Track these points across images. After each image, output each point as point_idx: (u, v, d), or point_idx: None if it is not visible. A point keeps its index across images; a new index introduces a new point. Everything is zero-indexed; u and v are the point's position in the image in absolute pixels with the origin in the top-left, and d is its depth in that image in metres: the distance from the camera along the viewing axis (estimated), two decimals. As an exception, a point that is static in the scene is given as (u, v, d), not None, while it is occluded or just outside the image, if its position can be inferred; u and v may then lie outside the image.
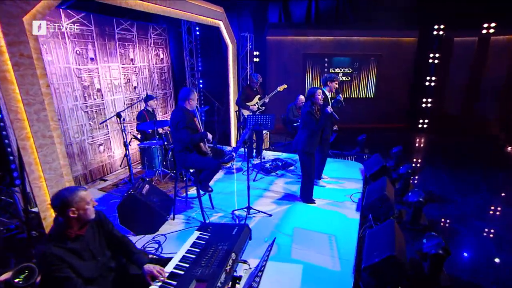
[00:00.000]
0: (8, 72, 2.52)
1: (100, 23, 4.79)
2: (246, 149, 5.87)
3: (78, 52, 4.48)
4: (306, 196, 4.05)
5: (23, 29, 2.54)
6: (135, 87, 5.74)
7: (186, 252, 2.15)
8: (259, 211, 3.77)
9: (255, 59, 7.29)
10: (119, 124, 4.17)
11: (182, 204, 4.07)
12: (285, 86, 5.69)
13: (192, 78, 7.04)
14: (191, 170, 3.76)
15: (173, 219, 3.69)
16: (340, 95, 4.24)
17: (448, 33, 8.15)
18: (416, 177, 5.34)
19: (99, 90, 4.90)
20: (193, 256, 2.10)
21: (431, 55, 8.26)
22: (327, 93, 4.19)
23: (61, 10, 4.13)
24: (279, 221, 3.65)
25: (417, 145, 7.71)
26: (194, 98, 3.39)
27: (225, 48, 6.36)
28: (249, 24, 7.72)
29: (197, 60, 6.92)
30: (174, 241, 3.24)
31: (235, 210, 3.83)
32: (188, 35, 6.78)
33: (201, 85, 7.10)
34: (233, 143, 6.45)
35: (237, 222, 3.58)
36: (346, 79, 8.81)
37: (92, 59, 4.72)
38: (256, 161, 5.63)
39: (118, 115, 4.14)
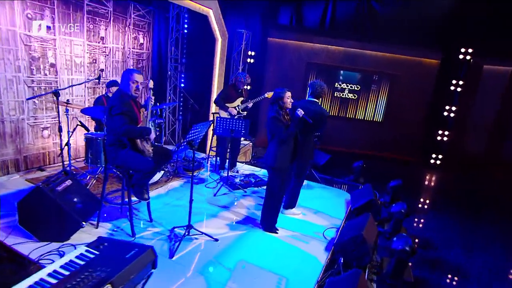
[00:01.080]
0: None
1: (65, -11, 4.54)
2: (217, 158, 5.47)
3: (29, 15, 4.19)
4: (268, 222, 3.55)
5: None
6: (102, 70, 5.43)
7: (48, 275, 1.69)
8: (203, 233, 3.29)
9: (248, 60, 6.97)
10: (55, 104, 3.80)
11: (116, 210, 3.63)
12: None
13: (174, 71, 6.73)
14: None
15: (97, 227, 3.24)
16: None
17: (477, 59, 7.75)
18: (415, 219, 4.81)
19: (53, 65, 4.58)
20: (53, 282, 1.64)
21: (454, 81, 7.83)
22: None
23: (15, -35, 3.88)
24: (224, 249, 3.17)
25: (424, 182, 7.17)
26: (139, 80, 3.02)
27: (214, 42, 6.07)
28: (256, 22, 7.49)
29: (182, 52, 6.63)
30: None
31: (177, 227, 3.36)
32: (176, 23, 6.53)
33: (182, 80, 6.77)
34: (208, 150, 6.04)
35: (173, 242, 3.10)
36: (353, 96, 8.42)
37: (48, 27, 4.43)
38: (229, 173, 5.21)
39: (55, 92, 3.78)
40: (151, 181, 4.44)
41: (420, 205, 5.54)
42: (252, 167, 6.05)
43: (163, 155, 3.36)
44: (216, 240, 3.30)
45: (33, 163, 4.57)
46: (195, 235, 3.30)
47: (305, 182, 5.55)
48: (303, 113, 3.23)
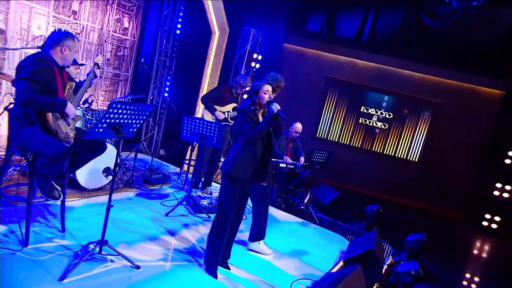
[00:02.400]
0: None
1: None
2: (190, 175, 5.09)
3: (-15, -28, 4.21)
4: (210, 257, 3.01)
5: None
6: (69, 50, 5.35)
7: None
8: (120, 254, 2.82)
9: (253, 64, 6.76)
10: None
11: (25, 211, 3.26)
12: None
13: (162, 67, 6.61)
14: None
15: (-19, 228, 2.86)
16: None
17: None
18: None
19: (2, 32, 4.53)
20: None
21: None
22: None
23: None
24: (140, 282, 2.68)
25: (467, 248, 6.30)
26: (72, 48, 2.77)
27: (208, 37, 5.93)
28: (272, 22, 7.43)
29: (173, 45, 6.53)
30: None
31: (93, 242, 2.92)
32: (172, 10, 6.50)
33: (169, 78, 6.62)
34: (185, 164, 5.67)
35: (78, 261, 2.64)
36: (383, 126, 7.88)
37: (6, -12, 4.42)
38: (198, 193, 4.79)
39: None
40: (92, 186, 4.11)
41: (453, 277, 4.76)
42: None
43: (91, 146, 3.02)
44: (137, 267, 2.82)
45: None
46: (110, 255, 2.84)
47: (299, 220, 5.04)
48: (278, 108, 2.84)
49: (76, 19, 5.35)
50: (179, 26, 6.37)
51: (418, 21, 7.35)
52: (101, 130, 2.52)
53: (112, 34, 5.94)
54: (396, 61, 7.59)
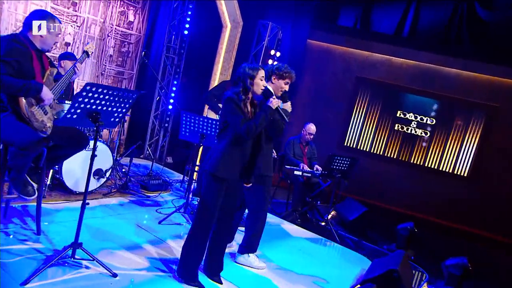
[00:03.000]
0: None
1: None
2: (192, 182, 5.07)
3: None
4: (185, 267, 2.93)
5: None
6: (67, 44, 5.56)
7: None
8: (96, 259, 2.80)
9: (269, 61, 6.74)
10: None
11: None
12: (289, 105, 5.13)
13: (170, 65, 6.72)
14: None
15: (-47, 227, 2.94)
16: (289, 104, 3.28)
17: None
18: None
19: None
20: None
21: None
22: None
23: None
24: (114, 292, 2.64)
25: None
26: (53, 30, 2.83)
27: (219, 30, 6.00)
28: (305, 21, 7.49)
29: (182, 41, 6.64)
30: None
31: (69, 247, 2.91)
32: (182, 4, 6.64)
33: (176, 76, 6.71)
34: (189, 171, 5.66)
35: (49, 265, 2.64)
36: (423, 134, 7.56)
37: (2, -23, 4.68)
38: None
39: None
40: (81, 189, 4.16)
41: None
42: None
43: (71, 139, 3.05)
44: (115, 275, 2.79)
45: None
46: (85, 260, 2.83)
47: (315, 236, 4.86)
48: (278, 103, 2.75)
49: (76, 11, 5.57)
50: (188, 19, 6.49)
51: (470, 12, 7.14)
52: (74, 116, 2.53)
53: (115, 28, 6.14)
54: (441, 58, 7.33)
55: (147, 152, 6.78)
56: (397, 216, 6.77)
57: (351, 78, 7.79)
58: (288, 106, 3.26)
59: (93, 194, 4.29)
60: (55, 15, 2.97)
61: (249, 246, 3.49)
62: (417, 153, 7.63)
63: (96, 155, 2.74)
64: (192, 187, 5.10)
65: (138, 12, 6.40)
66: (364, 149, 7.87)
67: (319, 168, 5.39)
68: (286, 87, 3.30)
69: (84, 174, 4.14)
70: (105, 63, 6.15)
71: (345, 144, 7.96)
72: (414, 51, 7.44)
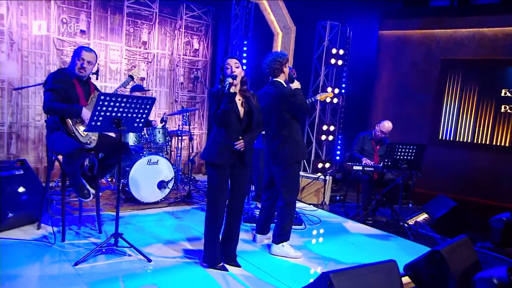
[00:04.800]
0: None
1: (104, -9, 6.11)
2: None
3: (64, 20, 5.85)
4: (207, 252, 3.35)
5: None
6: (142, 78, 6.70)
7: None
8: (132, 246, 3.42)
9: (332, 61, 6.90)
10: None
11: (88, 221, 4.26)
12: (331, 94, 5.33)
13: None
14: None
15: (38, 228, 3.90)
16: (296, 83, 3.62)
17: None
18: None
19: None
20: None
21: None
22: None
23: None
24: (144, 273, 3.21)
25: None
26: (86, 59, 3.67)
27: (268, 38, 6.47)
28: (373, 11, 7.59)
29: (241, 57, 7.27)
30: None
31: (111, 236, 3.57)
32: (245, 24, 7.31)
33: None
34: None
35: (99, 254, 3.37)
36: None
37: (83, 31, 6.00)
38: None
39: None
40: (147, 200, 4.96)
41: None
42: (323, 212, 5.66)
43: (114, 148, 3.80)
44: (149, 260, 3.37)
45: (53, 176, 5.94)
46: (127, 248, 3.48)
47: (379, 232, 4.78)
48: (229, 81, 3.05)
49: (146, 49, 6.70)
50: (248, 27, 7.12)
51: None
52: (98, 123, 3.23)
53: (183, 58, 7.12)
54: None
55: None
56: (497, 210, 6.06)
57: (435, 63, 7.39)
58: (295, 84, 3.57)
59: (159, 204, 5.05)
60: (91, 48, 3.85)
61: (281, 235, 3.73)
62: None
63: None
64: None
65: (201, 39, 7.32)
66: (464, 139, 7.26)
67: None
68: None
69: (147, 186, 4.97)
70: (177, 90, 7.13)
71: (440, 138, 7.47)
72: (508, 16, 6.76)
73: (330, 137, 7.14)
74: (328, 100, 6.45)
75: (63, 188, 3.73)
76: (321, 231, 4.77)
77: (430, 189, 6.78)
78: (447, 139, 7.40)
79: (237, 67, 3.20)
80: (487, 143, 7.09)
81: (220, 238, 3.38)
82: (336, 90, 7.06)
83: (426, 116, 7.47)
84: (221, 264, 3.33)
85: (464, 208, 5.63)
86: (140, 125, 3.50)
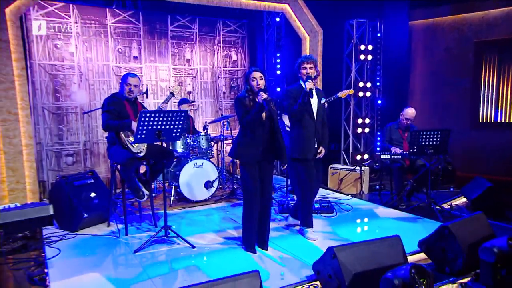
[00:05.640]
0: (-14, 52, 4.68)
1: (150, 20, 6.89)
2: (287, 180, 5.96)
3: (120, 50, 6.72)
4: (245, 238, 3.91)
5: (4, 18, 4.68)
6: (189, 92, 7.42)
7: None
8: (179, 236, 4.05)
9: (361, 57, 7.14)
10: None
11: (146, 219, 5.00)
12: (351, 91, 5.58)
13: (269, 84, 7.90)
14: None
15: (108, 225, 4.69)
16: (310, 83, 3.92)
17: None
18: None
19: (141, 83, 6.92)
20: None
21: None
22: (304, 85, 3.98)
23: (107, 9, 6.52)
24: (188, 256, 3.82)
25: None
26: (131, 83, 4.38)
27: (298, 43, 6.87)
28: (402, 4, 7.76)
29: (275, 63, 7.73)
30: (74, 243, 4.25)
31: (162, 228, 4.21)
32: (277, 32, 7.80)
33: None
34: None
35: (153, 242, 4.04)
36: None
37: (135, 57, 6.84)
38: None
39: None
40: (196, 198, 5.60)
41: None
42: (358, 201, 5.99)
43: (161, 155, 4.46)
44: (193, 247, 3.97)
45: (119, 182, 6.83)
46: (173, 237, 4.12)
47: (409, 215, 5.02)
48: (263, 97, 3.52)
49: (190, 65, 7.42)
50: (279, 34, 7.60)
51: None
52: (143, 136, 3.89)
53: (223, 70, 7.75)
54: None
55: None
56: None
57: (468, 47, 7.34)
58: (309, 85, 3.89)
59: (207, 201, 5.69)
60: (135, 73, 4.56)
61: (302, 223, 4.25)
62: None
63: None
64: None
65: (238, 51, 7.90)
66: (505, 121, 7.14)
67: None
68: (304, 72, 4.02)
69: (196, 186, 5.61)
70: (220, 99, 7.77)
71: (480, 121, 7.39)
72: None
73: (366, 130, 7.35)
74: (351, 93, 6.29)
75: (123, 191, 4.47)
76: (351, 217, 5.09)
77: (473, 172, 6.76)
78: (488, 120, 7.31)
79: (261, 79, 3.67)
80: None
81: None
82: (369, 84, 7.26)
83: (464, 101, 7.44)
84: (254, 248, 3.85)
85: (501, 188, 5.62)
86: (178, 134, 4.11)
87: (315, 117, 4.10)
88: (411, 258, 3.74)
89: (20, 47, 4.88)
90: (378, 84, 7.67)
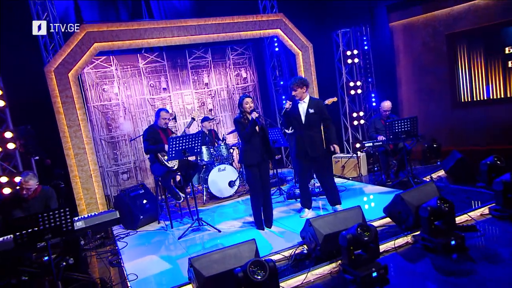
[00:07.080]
0: (59, 107, 6.14)
1: (172, 57, 8.22)
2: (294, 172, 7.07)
3: (152, 85, 8.10)
4: (255, 220, 5.09)
5: (68, 80, 6.12)
6: (210, 110, 8.70)
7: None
8: (208, 224, 5.29)
9: (349, 61, 8.11)
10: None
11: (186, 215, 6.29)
12: (335, 99, 6.41)
13: (276, 93, 9.04)
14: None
15: (158, 223, 6.03)
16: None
17: None
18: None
19: (171, 115, 8.26)
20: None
21: None
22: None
23: (138, 55, 7.90)
24: (215, 237, 5.06)
25: None
26: (163, 117, 5.67)
27: (293, 58, 7.94)
28: (381, 9, 8.64)
29: (279, 76, 8.84)
30: (136, 237, 5.59)
31: (196, 220, 5.45)
32: (272, 47, 8.92)
33: (284, 101, 8.90)
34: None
35: (190, 231, 5.32)
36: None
37: (164, 89, 8.20)
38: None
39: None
40: (222, 195, 6.84)
41: None
42: (353, 182, 7.00)
43: (190, 166, 5.73)
44: (219, 231, 5.21)
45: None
46: (204, 226, 5.36)
47: (390, 189, 5.98)
48: (256, 115, 4.69)
49: (209, 88, 8.68)
50: (276, 49, 8.69)
51: None
52: (173, 154, 5.16)
53: (236, 87, 8.96)
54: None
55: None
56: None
57: (441, 39, 8.12)
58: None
59: (232, 197, 6.91)
60: (166, 108, 5.86)
61: (302, 204, 5.38)
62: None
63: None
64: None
65: (247, 69, 9.08)
66: (481, 98, 7.89)
67: (381, 138, 6.41)
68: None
69: (222, 186, 6.85)
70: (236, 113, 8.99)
71: (460, 101, 8.15)
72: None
73: (362, 121, 8.31)
74: (335, 100, 6.63)
75: (165, 197, 5.80)
76: (343, 196, 6.09)
77: (457, 146, 7.53)
78: (466, 100, 8.07)
79: (252, 102, 4.88)
80: (502, 96, 7.64)
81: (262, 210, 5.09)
82: (359, 83, 8.23)
83: (444, 85, 8.23)
84: (262, 227, 5.05)
85: (481, 156, 5.95)
86: (198, 149, 5.34)
87: (303, 122, 5.09)
88: (380, 222, 4.80)
89: (80, 98, 6.29)
90: (370, 79, 8.56)
